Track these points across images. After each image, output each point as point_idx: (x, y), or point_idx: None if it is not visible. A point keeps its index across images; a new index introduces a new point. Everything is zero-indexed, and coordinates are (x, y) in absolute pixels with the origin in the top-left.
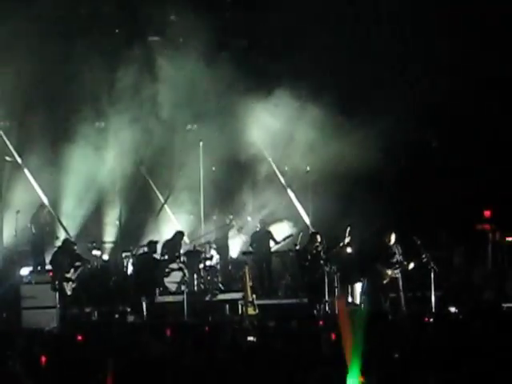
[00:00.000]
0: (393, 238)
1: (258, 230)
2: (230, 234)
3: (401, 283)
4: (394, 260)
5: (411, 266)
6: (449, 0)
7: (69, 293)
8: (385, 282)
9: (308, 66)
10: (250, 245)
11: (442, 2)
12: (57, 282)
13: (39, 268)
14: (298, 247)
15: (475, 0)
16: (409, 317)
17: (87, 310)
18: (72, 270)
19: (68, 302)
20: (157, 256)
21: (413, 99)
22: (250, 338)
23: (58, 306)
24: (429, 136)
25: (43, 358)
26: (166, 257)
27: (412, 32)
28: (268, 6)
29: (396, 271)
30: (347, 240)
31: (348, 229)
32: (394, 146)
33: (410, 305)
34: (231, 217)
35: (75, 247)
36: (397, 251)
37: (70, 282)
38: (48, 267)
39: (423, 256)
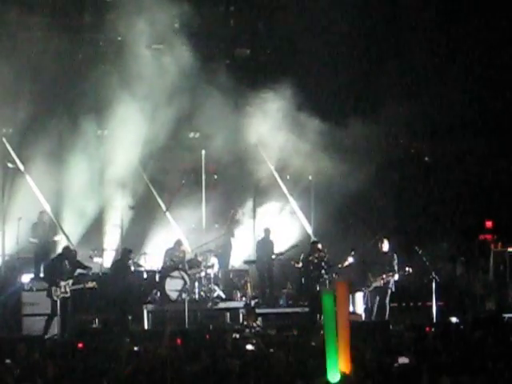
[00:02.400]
0: (386, 244)
1: (261, 238)
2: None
3: (389, 292)
4: (387, 268)
5: (396, 276)
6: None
7: (55, 299)
8: (369, 290)
9: (308, 77)
10: (256, 251)
11: (440, 14)
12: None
13: (41, 275)
14: (300, 265)
15: (474, 18)
16: (411, 326)
17: (88, 317)
18: (70, 281)
19: (55, 308)
20: (130, 264)
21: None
22: (250, 347)
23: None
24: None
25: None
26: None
27: (408, 47)
28: (271, 15)
29: (384, 280)
30: (349, 261)
31: (352, 253)
32: (396, 157)
33: (408, 315)
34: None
35: (75, 254)
36: (392, 260)
37: (61, 289)
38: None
39: (407, 269)
